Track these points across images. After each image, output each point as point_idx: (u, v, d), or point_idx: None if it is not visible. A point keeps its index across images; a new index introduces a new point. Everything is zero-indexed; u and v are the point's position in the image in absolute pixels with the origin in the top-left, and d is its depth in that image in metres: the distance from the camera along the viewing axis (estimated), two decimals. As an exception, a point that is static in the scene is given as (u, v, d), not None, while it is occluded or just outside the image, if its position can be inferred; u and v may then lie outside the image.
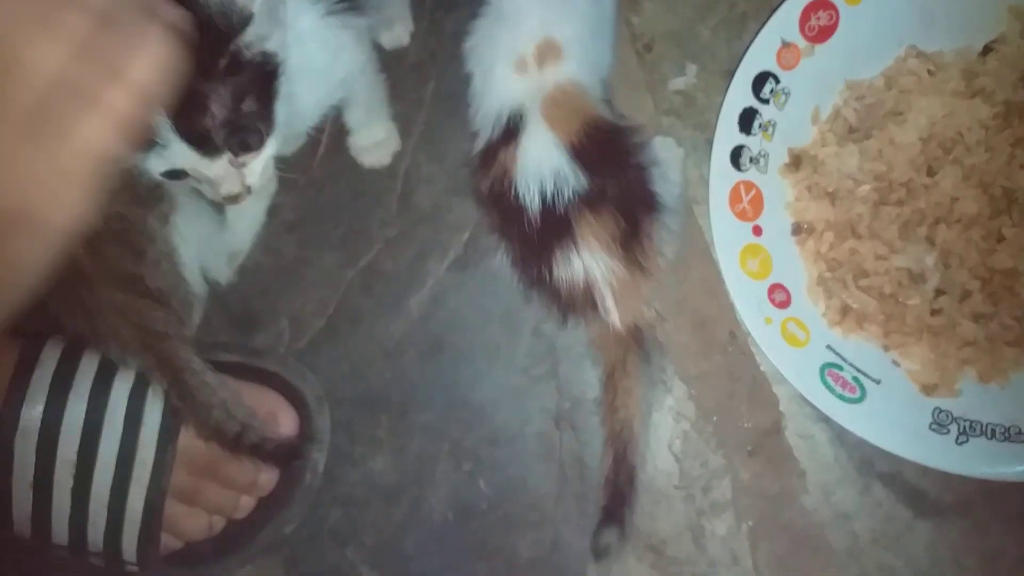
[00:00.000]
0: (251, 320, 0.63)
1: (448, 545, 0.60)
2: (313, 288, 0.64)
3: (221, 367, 0.58)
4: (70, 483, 0.53)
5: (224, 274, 0.62)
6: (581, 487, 0.60)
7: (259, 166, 0.48)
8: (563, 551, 0.60)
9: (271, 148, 0.48)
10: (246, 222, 0.62)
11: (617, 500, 0.55)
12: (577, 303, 0.55)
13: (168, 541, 0.57)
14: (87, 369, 0.55)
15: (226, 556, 0.58)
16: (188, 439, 0.55)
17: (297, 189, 0.64)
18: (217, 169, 0.47)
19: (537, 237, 0.54)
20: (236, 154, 0.47)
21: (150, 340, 0.54)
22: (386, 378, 0.62)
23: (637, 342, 0.56)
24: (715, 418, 0.60)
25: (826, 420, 0.57)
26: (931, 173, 0.57)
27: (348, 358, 0.63)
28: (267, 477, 0.58)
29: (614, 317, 0.55)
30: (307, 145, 0.63)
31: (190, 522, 0.57)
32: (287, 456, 0.56)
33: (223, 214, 0.61)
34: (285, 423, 0.58)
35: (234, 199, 0.49)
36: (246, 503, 0.58)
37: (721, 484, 0.59)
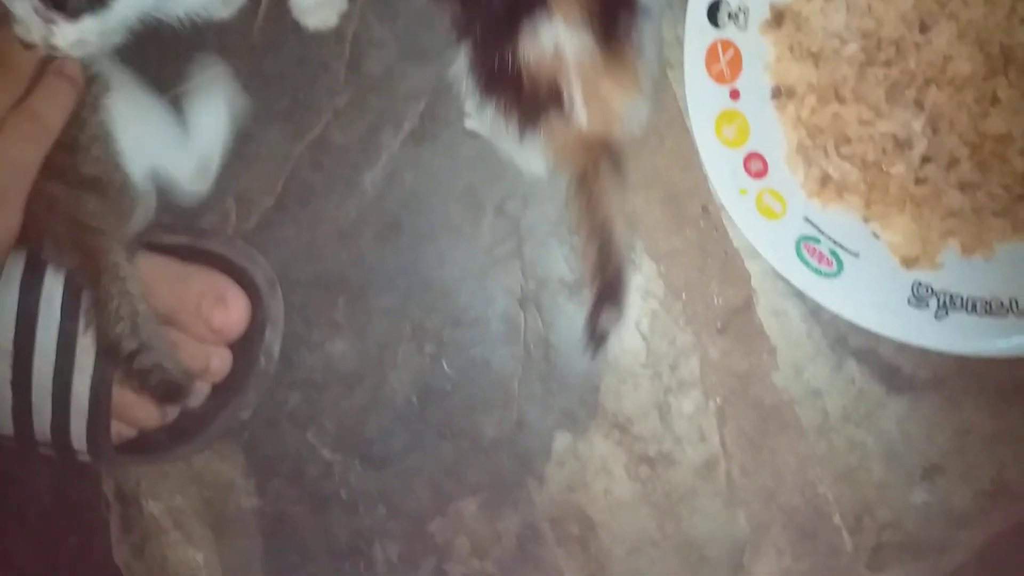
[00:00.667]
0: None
1: (412, 427, 0.60)
2: (259, 164, 0.60)
3: (165, 250, 0.56)
4: (8, 374, 0.51)
5: (197, 187, 0.57)
6: (546, 367, 0.59)
7: (72, 34, 0.45)
8: (528, 430, 0.59)
9: (94, 24, 0.45)
10: (206, 120, 0.57)
11: (611, 285, 0.53)
12: (541, 96, 0.50)
13: (120, 429, 0.55)
14: (15, 260, 0.52)
15: (182, 443, 0.57)
16: (133, 325, 0.53)
17: (237, 56, 0.59)
18: (18, 8, 0.44)
19: (506, 9, 0.50)
20: (45, 6, 0.43)
21: (81, 235, 0.51)
22: (342, 259, 0.60)
23: (607, 151, 0.53)
24: (684, 295, 0.58)
25: (800, 296, 0.55)
26: (924, 29, 0.53)
27: (300, 239, 0.60)
28: (219, 363, 0.56)
29: (581, 116, 0.51)
30: (246, 8, 0.58)
31: (141, 410, 0.55)
32: (170, 394, 0.53)
33: (179, 108, 0.56)
34: (235, 306, 0.56)
35: (32, 46, 0.45)
36: (200, 389, 0.57)
37: (689, 362, 0.58)
